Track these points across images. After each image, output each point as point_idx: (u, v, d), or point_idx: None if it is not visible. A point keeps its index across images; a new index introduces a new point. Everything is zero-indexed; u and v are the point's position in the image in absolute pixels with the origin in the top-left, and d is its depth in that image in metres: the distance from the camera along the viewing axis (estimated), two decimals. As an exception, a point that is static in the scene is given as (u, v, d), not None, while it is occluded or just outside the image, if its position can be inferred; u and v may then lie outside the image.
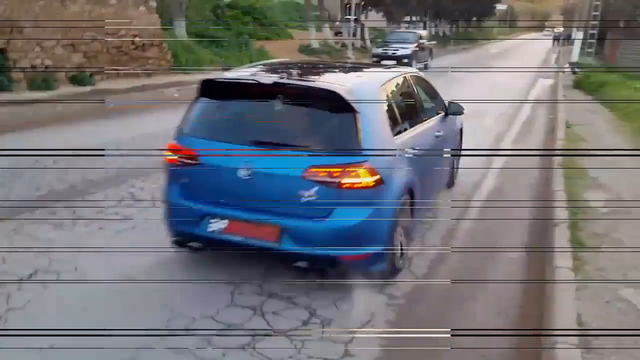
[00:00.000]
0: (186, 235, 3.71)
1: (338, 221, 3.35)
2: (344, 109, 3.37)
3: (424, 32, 25.06)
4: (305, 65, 5.00)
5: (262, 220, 3.43)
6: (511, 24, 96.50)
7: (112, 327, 3.14)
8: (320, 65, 5.38)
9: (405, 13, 36.49)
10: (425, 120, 4.70)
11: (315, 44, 25.47)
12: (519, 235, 4.86)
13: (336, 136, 3.50)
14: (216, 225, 3.51)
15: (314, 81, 3.85)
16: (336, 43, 27.66)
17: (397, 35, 24.28)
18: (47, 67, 10.90)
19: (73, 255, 3.98)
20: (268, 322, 3.25)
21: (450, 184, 5.99)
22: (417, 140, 4.22)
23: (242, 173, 3.34)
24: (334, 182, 3.28)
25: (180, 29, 16.76)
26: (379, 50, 21.66)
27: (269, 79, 3.61)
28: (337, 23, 32.61)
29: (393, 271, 3.78)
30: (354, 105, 3.35)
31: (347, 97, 3.37)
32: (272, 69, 4.29)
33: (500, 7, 72.24)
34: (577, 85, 15.67)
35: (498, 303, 3.66)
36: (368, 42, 30.60)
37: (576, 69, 18.51)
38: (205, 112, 3.84)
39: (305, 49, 24.79)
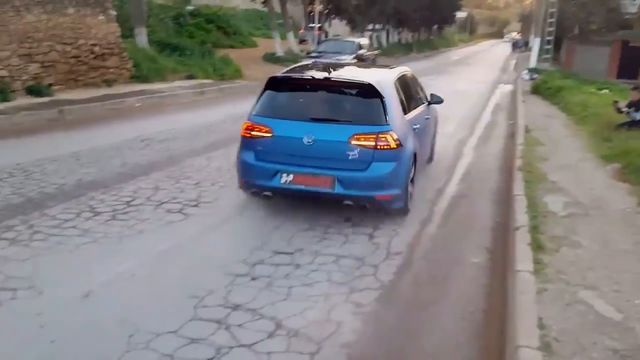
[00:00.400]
0: (262, 187, 5.02)
1: (373, 172, 4.75)
2: (375, 95, 4.87)
3: (364, 41, 21.90)
4: (336, 65, 6.33)
5: (320, 173, 4.78)
6: (471, 30, 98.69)
7: (70, 345, 3.05)
8: (345, 66, 7.04)
9: (368, 21, 36.87)
10: (418, 106, 6.17)
11: (280, 52, 25.46)
12: (482, 239, 4.94)
13: (370, 113, 4.89)
14: (286, 178, 4.83)
15: (351, 77, 5.35)
16: (301, 51, 27.72)
17: (331, 44, 20.73)
18: (2, 77, 10.56)
19: (30, 272, 3.85)
20: (233, 336, 3.19)
21: (430, 160, 7.36)
22: (416, 119, 5.70)
23: (306, 140, 4.74)
24: (370, 145, 4.72)
25: (142, 37, 16.48)
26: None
27: (320, 74, 5.12)
28: (302, 31, 32.77)
29: (405, 210, 5.27)
30: (381, 92, 4.87)
31: (377, 87, 4.86)
32: (314, 67, 5.95)
33: (460, 14, 73.82)
34: (535, 90, 16.08)
35: (462, 307, 3.69)
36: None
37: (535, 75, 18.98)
38: (273, 99, 5.17)
39: (270, 57, 24.75)
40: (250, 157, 5.02)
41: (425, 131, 6.22)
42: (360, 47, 19.38)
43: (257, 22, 35.66)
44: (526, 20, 69.79)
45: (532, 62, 25.79)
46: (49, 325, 3.23)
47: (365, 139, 4.72)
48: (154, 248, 4.39)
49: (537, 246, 4.16)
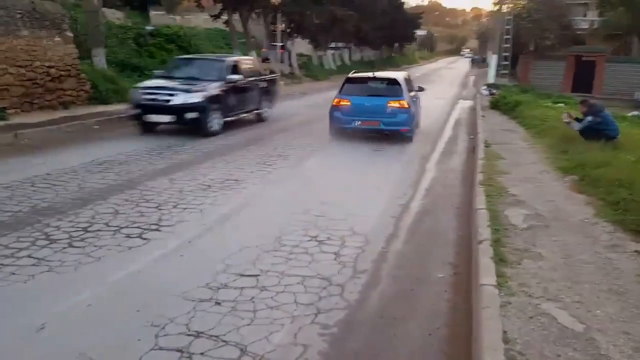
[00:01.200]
0: (345, 128, 10.51)
1: (398, 118, 10.26)
2: (396, 83, 10.64)
3: (247, 59, 14.46)
4: (375, 71, 12.75)
5: (373, 119, 10.30)
6: (431, 48, 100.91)
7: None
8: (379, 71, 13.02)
9: (330, 40, 37.27)
10: (412, 90, 11.61)
11: (242, 71, 25.40)
12: (446, 254, 4.96)
13: (394, 91, 10.49)
14: (357, 123, 10.35)
15: (384, 76, 11.28)
16: (264, 70, 27.76)
17: (184, 68, 12.37)
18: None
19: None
20: (196, 364, 3.09)
21: (417, 126, 11.92)
22: (412, 96, 11.15)
23: (366, 104, 10.35)
24: (396, 106, 10.23)
25: (100, 58, 16.18)
26: (142, 97, 10.78)
27: (369, 74, 11.39)
28: (265, 50, 32.82)
29: (411, 138, 10.80)
30: (399, 82, 10.67)
31: (397, 79, 10.79)
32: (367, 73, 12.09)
33: (420, 32, 75.47)
34: (494, 105, 16.49)
35: (429, 324, 3.68)
36: (296, 69, 31.01)
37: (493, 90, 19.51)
38: (349, 86, 10.81)
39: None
40: (339, 114, 10.49)
41: (416, 103, 11.69)
42: (235, 67, 12.09)
43: (219, 41, 35.50)
44: (483, 38, 71.97)
45: (490, 78, 26.51)
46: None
47: (393, 103, 10.23)
48: (113, 275, 4.24)
49: (499, 259, 4.20)
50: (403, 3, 53.65)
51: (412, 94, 11.26)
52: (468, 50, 59.77)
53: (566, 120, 9.52)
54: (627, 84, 28.49)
